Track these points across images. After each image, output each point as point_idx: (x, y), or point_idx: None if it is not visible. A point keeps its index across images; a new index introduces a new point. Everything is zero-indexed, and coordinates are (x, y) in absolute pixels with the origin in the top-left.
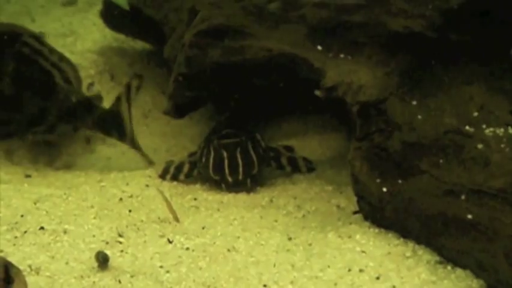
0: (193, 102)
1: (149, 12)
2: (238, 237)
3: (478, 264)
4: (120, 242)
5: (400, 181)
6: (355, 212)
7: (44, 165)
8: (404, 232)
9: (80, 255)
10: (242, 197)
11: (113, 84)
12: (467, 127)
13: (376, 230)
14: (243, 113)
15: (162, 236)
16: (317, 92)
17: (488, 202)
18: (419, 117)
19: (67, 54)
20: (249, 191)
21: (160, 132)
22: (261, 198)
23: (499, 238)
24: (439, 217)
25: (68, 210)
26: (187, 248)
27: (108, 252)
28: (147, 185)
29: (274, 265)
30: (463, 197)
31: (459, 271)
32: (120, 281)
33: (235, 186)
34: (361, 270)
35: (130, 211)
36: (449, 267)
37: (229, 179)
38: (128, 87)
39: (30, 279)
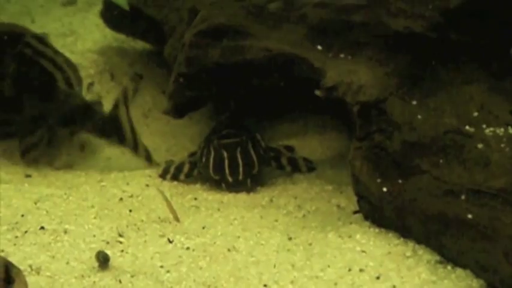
0: (193, 102)
1: (149, 12)
2: (239, 237)
3: (478, 264)
4: (121, 242)
5: (400, 181)
6: (356, 212)
7: (44, 165)
8: (405, 232)
9: (81, 255)
10: (242, 196)
11: (113, 84)
12: (467, 127)
13: (377, 230)
14: (243, 112)
15: (162, 236)
16: (317, 92)
17: (488, 202)
18: (420, 117)
19: (67, 54)
20: (249, 190)
21: (160, 132)
22: (261, 198)
23: (499, 238)
24: (439, 217)
25: (68, 210)
26: (188, 248)
27: (108, 252)
28: (147, 185)
29: (275, 265)
30: (463, 196)
31: (459, 271)
32: (120, 281)
33: (236, 186)
34: (361, 270)
35: (130, 211)
36: (449, 267)
37: (230, 179)
38: (125, 91)
39: (30, 279)
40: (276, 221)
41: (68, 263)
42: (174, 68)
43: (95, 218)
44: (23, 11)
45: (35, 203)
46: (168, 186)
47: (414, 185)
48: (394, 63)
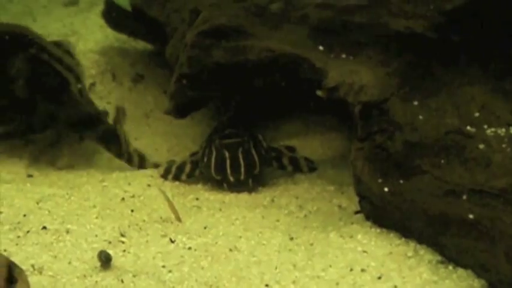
0: (195, 102)
1: (151, 13)
2: (240, 237)
3: (480, 264)
4: (123, 242)
5: (401, 181)
6: (357, 212)
7: (46, 165)
8: (406, 232)
9: (83, 254)
10: (244, 196)
11: (115, 85)
12: (468, 127)
13: (378, 230)
14: (244, 113)
15: (164, 236)
16: (319, 92)
17: (489, 202)
18: (421, 117)
19: None
20: (250, 191)
21: (162, 132)
22: (262, 198)
23: (500, 238)
24: (441, 217)
25: (70, 210)
26: (190, 248)
27: (110, 251)
28: (149, 185)
29: (276, 265)
30: (464, 197)
31: (460, 271)
32: (122, 281)
33: (237, 186)
34: (362, 270)
35: (132, 211)
36: (450, 267)
37: (231, 179)
38: (119, 109)
39: (33, 279)
40: (278, 221)
41: (70, 262)
42: (176, 68)
43: (96, 217)
44: (25, 11)
45: (37, 203)
46: (169, 186)
47: (415, 185)
48: (395, 64)
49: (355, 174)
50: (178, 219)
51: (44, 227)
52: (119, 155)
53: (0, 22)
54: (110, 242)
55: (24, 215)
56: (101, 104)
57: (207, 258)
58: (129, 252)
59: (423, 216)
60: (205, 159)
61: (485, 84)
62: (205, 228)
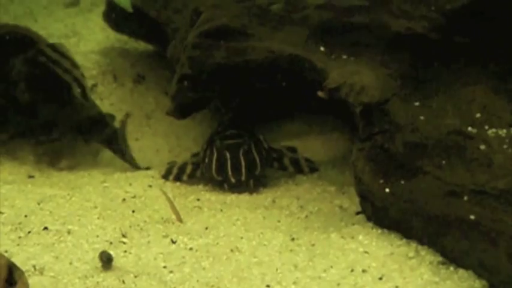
0: (196, 103)
1: (152, 13)
2: (241, 238)
3: (481, 265)
4: (124, 242)
5: (402, 182)
6: (358, 213)
7: (47, 165)
8: (407, 233)
9: (84, 255)
10: (245, 197)
11: (116, 85)
12: (469, 128)
13: (379, 231)
14: (245, 113)
15: (165, 236)
16: (320, 93)
17: (490, 203)
18: (422, 118)
19: None
20: (251, 191)
21: (163, 133)
22: (263, 199)
23: (501, 239)
24: (442, 218)
25: (71, 210)
26: (191, 248)
27: (111, 252)
28: (150, 186)
29: (277, 265)
30: (465, 197)
31: (462, 271)
32: (123, 281)
33: (238, 187)
34: (364, 271)
35: (133, 211)
36: (451, 268)
37: (232, 180)
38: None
39: (34, 279)
40: (279, 221)
41: (71, 263)
42: (177, 69)
43: (98, 218)
44: (26, 12)
45: (38, 204)
46: (170, 186)
47: (417, 186)
48: (396, 65)
49: (356, 175)
50: (180, 219)
51: (45, 228)
52: (123, 156)
53: (1, 23)
54: (111, 243)
55: (26, 216)
56: (101, 105)
57: (208, 259)
58: (130, 253)
59: (424, 217)
60: (206, 160)
61: (486, 84)
62: (206, 228)
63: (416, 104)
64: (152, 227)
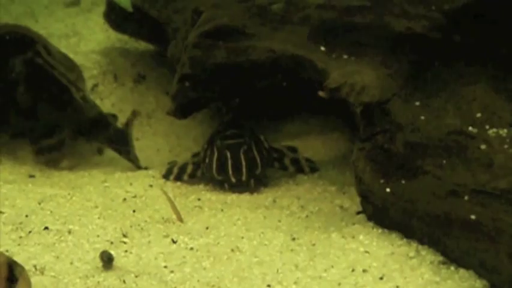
0: (197, 102)
1: (153, 13)
2: (242, 238)
3: (482, 265)
4: (125, 242)
5: (403, 181)
6: (359, 212)
7: (48, 165)
8: (408, 232)
9: (85, 255)
10: (245, 197)
11: (117, 85)
12: (470, 128)
13: (380, 231)
14: (246, 113)
15: (166, 236)
16: (320, 93)
17: (491, 202)
18: (423, 117)
19: (70, 55)
20: (252, 191)
21: (163, 133)
22: (264, 199)
23: (502, 238)
24: (443, 217)
25: (72, 210)
26: (191, 248)
27: (112, 252)
28: (150, 185)
29: (278, 265)
30: (466, 197)
31: (462, 271)
32: (124, 281)
33: (239, 187)
34: (364, 271)
35: (134, 211)
36: (452, 268)
37: (233, 180)
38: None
39: (35, 279)
40: (279, 221)
41: (72, 263)
42: (178, 68)
43: (98, 218)
44: (26, 12)
45: (39, 203)
46: (171, 186)
47: (417, 186)
48: (397, 64)
49: (357, 175)
50: (180, 219)
51: (46, 228)
52: (127, 156)
53: (1, 23)
54: (111, 243)
55: (26, 216)
56: (102, 105)
57: (209, 259)
58: (131, 253)
59: (425, 217)
60: (207, 160)
61: (487, 84)
62: (207, 228)
63: (417, 103)
64: (153, 226)
